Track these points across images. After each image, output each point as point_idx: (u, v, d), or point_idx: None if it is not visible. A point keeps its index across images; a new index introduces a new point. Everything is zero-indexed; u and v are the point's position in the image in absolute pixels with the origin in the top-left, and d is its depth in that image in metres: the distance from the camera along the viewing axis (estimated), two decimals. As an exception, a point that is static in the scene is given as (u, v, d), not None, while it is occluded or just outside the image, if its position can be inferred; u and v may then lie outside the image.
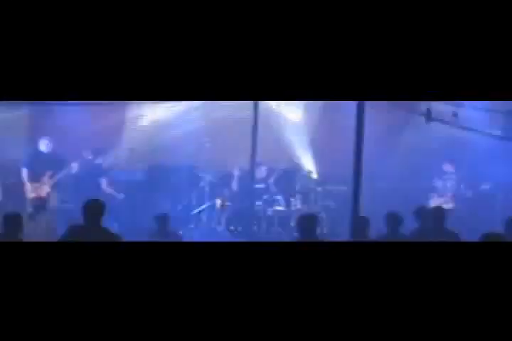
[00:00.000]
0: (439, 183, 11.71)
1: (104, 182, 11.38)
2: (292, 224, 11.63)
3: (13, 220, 6.62)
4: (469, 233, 7.39)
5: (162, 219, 8.28)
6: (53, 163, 10.82)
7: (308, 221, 7.12)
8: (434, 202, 11.15)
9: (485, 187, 11.45)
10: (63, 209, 10.83)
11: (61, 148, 11.22)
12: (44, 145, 10.86)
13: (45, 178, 10.69)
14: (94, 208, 6.46)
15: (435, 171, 11.81)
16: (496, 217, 7.88)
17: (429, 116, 7.32)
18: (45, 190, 10.70)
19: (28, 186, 10.69)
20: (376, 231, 7.50)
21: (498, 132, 8.70)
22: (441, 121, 7.49)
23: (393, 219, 7.33)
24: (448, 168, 11.75)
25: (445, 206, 9.35)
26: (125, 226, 10.52)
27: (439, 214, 7.62)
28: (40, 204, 10.67)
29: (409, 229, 7.54)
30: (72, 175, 11.00)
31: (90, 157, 11.10)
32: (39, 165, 10.73)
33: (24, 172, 10.73)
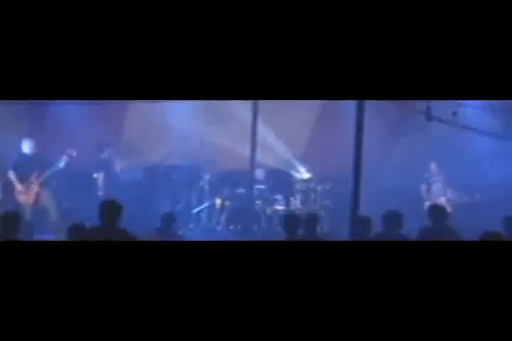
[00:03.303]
0: (434, 184, 11.69)
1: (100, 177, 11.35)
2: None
3: (11, 219, 6.59)
4: (467, 233, 7.40)
5: (168, 219, 8.26)
6: (41, 163, 10.78)
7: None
8: (431, 202, 11.12)
9: (482, 188, 11.47)
10: (59, 208, 10.84)
11: (60, 149, 11.21)
12: (28, 147, 10.81)
13: (33, 178, 10.67)
14: (111, 209, 6.47)
15: (433, 172, 11.81)
16: (495, 217, 7.85)
17: (429, 115, 7.32)
18: (34, 189, 10.68)
19: (17, 187, 10.66)
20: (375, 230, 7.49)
21: (498, 132, 8.70)
22: (441, 120, 7.48)
23: (391, 219, 7.27)
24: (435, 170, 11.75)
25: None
26: (124, 225, 10.50)
27: (443, 212, 7.61)
28: (31, 204, 10.64)
29: (408, 228, 7.51)
30: (63, 173, 10.95)
31: (75, 154, 10.99)
32: (26, 166, 10.70)
33: (11, 174, 10.70)
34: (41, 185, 10.70)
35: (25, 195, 10.62)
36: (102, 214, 6.43)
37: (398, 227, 7.22)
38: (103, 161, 11.71)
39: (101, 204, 6.52)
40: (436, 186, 11.63)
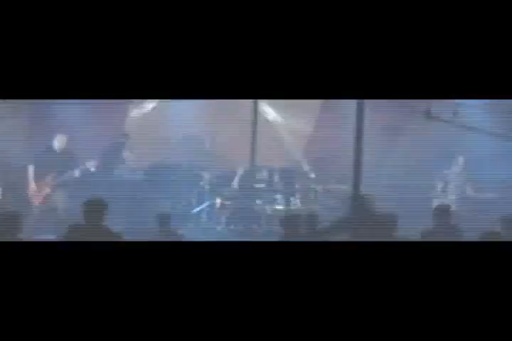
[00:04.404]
0: (440, 184, 11.69)
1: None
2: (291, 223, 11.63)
3: (12, 219, 6.57)
4: (469, 232, 7.39)
5: (163, 218, 8.28)
6: (56, 163, 10.78)
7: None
8: (436, 202, 11.11)
9: (485, 187, 11.46)
10: (65, 208, 10.85)
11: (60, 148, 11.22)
12: (57, 143, 10.82)
13: (48, 179, 10.67)
14: (94, 207, 6.49)
15: (436, 171, 11.80)
16: (494, 217, 7.86)
17: (429, 114, 7.31)
18: (45, 191, 10.68)
19: (31, 186, 10.67)
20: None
21: (498, 131, 8.70)
22: (441, 119, 7.48)
23: (387, 221, 7.20)
24: (449, 168, 11.74)
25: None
26: (125, 225, 10.51)
27: (446, 212, 7.59)
28: (39, 204, 10.65)
29: (409, 228, 7.46)
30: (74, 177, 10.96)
31: (92, 166, 11.01)
32: (45, 165, 10.70)
33: (30, 171, 10.70)
34: (54, 187, 10.71)
35: (35, 194, 10.64)
36: (85, 213, 6.45)
37: (394, 230, 7.16)
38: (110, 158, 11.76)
39: (84, 204, 6.54)
40: (452, 184, 11.63)
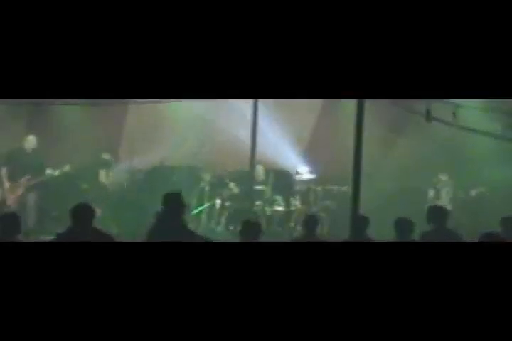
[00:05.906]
0: (434, 191, 11.72)
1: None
2: (292, 223, 11.69)
3: (10, 220, 6.54)
4: (467, 234, 7.39)
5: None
6: (36, 164, 10.83)
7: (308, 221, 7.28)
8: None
9: (482, 188, 11.49)
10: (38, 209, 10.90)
11: (61, 148, 11.25)
12: (27, 144, 10.87)
13: (23, 180, 10.72)
14: (82, 213, 6.41)
15: (432, 176, 11.82)
16: (495, 218, 7.86)
17: (428, 115, 7.31)
18: (19, 191, 10.72)
19: (5, 185, 10.73)
20: (374, 231, 7.46)
21: (498, 132, 8.70)
22: (441, 120, 7.48)
23: (403, 225, 7.16)
24: (444, 176, 11.76)
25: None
26: (124, 226, 10.54)
27: (443, 214, 7.54)
28: (13, 204, 10.67)
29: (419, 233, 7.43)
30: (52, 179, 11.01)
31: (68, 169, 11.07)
32: (21, 165, 10.75)
33: (3, 171, 10.76)
34: (28, 188, 10.74)
35: (10, 193, 10.69)
36: (73, 219, 6.37)
37: (411, 234, 7.12)
38: (104, 162, 11.78)
39: (72, 209, 6.42)
40: (444, 191, 11.65)
